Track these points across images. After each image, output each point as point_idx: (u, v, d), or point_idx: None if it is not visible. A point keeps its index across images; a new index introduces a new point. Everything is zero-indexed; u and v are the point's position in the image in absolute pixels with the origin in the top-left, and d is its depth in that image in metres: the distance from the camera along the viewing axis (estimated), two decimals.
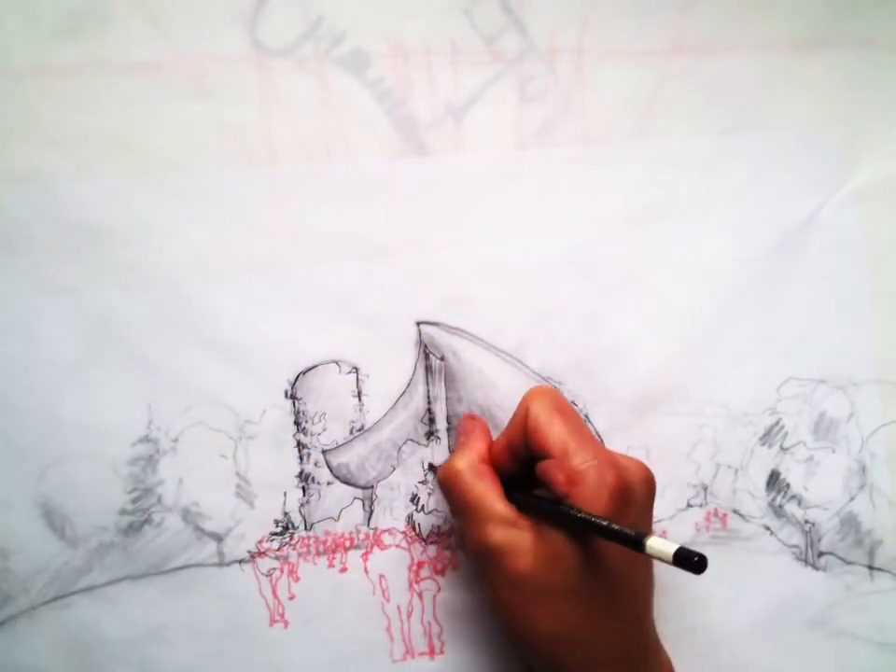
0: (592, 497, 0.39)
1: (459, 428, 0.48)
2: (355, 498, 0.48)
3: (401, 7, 0.47)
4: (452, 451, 0.48)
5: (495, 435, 0.47)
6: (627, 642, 0.42)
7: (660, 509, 0.48)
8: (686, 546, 0.34)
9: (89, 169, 0.46)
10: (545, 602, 0.40)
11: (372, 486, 0.48)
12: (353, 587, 0.48)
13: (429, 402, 0.49)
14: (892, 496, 0.50)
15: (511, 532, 0.41)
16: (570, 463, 0.41)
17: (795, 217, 0.50)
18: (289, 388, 0.48)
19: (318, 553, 0.48)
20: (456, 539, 0.49)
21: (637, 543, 0.36)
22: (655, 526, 0.49)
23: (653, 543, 0.35)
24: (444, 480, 0.44)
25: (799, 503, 0.50)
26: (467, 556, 0.48)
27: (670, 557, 0.34)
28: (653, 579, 0.44)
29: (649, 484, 0.43)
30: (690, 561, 0.34)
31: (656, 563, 0.42)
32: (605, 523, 0.38)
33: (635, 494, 0.41)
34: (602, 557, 0.40)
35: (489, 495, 0.42)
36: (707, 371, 0.50)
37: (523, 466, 0.44)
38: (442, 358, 0.48)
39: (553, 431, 0.42)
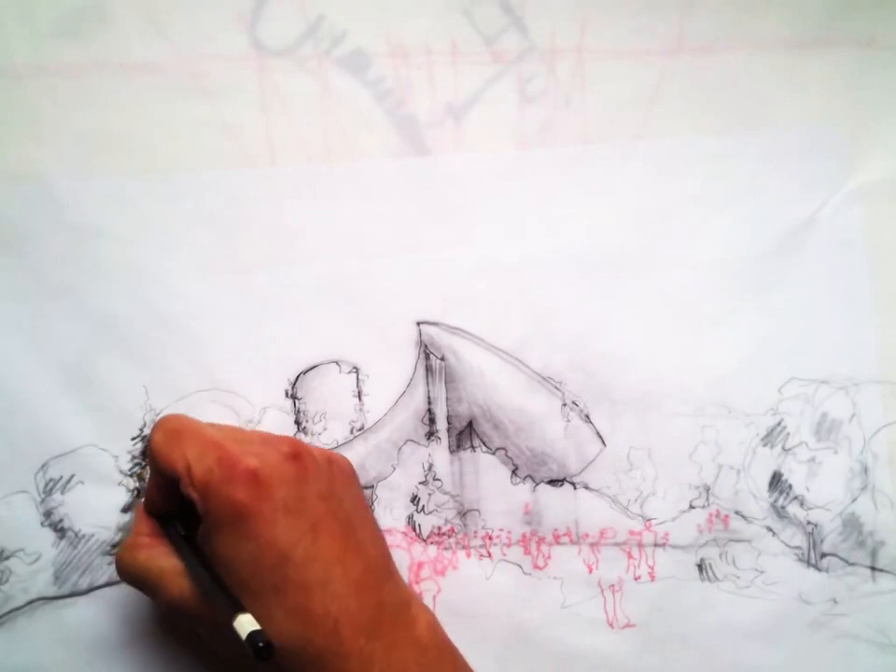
0: (221, 500, 0.38)
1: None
2: None
3: (401, 6, 0.47)
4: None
5: None
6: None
7: (662, 511, 0.48)
8: (260, 631, 0.35)
9: (89, 169, 0.46)
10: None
11: (372, 486, 0.48)
12: None
13: (429, 402, 0.49)
14: (894, 496, 0.49)
15: (184, 583, 0.40)
16: (194, 477, 0.39)
17: (795, 216, 0.49)
18: (289, 388, 0.48)
19: None
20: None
21: (229, 616, 0.36)
22: (658, 528, 0.49)
23: (241, 620, 0.36)
24: (119, 572, 0.43)
25: (801, 504, 0.50)
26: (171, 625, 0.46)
27: (243, 638, 0.35)
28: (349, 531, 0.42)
29: (296, 459, 0.41)
30: (256, 646, 0.34)
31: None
32: (212, 582, 0.38)
33: (271, 477, 0.39)
34: (266, 548, 0.39)
35: (157, 558, 0.41)
36: (708, 372, 0.49)
37: (178, 495, 0.41)
38: (442, 358, 0.48)
39: (174, 455, 0.40)
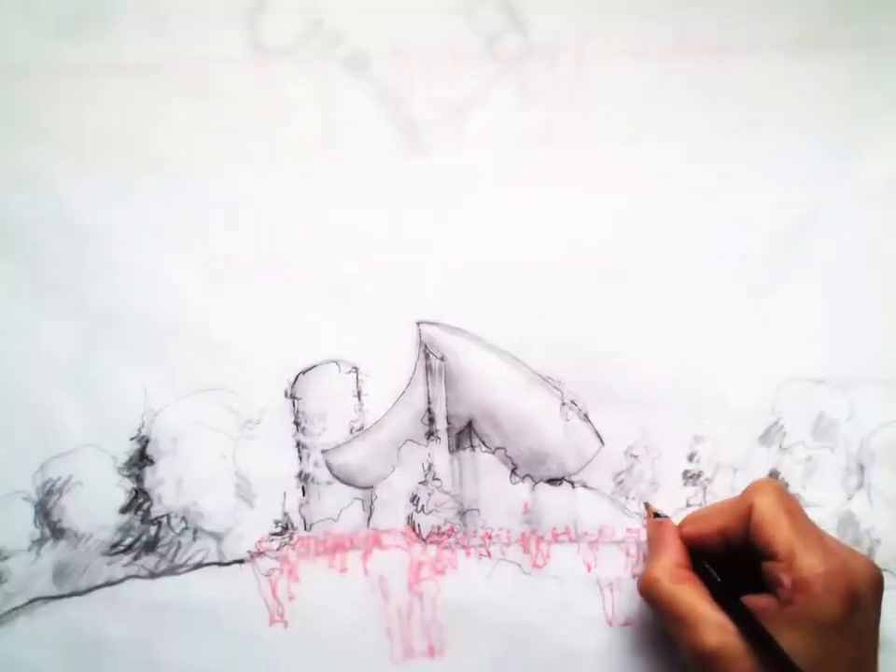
0: (819, 606, 0.39)
1: (649, 534, 0.47)
2: (354, 498, 0.48)
3: (401, 7, 0.47)
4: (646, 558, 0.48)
5: None
6: None
7: (660, 509, 0.49)
8: None
9: (89, 169, 0.46)
10: None
11: (372, 486, 0.48)
12: (353, 587, 0.48)
13: (429, 402, 0.49)
14: (890, 495, 0.50)
15: (725, 637, 0.40)
16: (797, 568, 0.40)
17: (795, 216, 0.50)
18: (289, 388, 0.48)
19: (318, 554, 0.48)
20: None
21: None
22: None
23: None
24: (646, 590, 0.43)
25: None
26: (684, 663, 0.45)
27: None
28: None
29: (876, 586, 0.41)
30: None
31: None
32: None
33: (862, 599, 0.40)
34: (827, 661, 0.39)
35: (697, 599, 0.42)
36: (706, 371, 0.50)
37: (733, 554, 0.43)
38: (442, 358, 0.48)
39: (781, 532, 0.41)
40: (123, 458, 0.47)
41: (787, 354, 0.50)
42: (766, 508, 0.42)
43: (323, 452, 0.48)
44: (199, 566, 0.48)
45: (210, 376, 0.48)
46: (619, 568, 0.49)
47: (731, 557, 0.43)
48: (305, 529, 0.48)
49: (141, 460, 0.47)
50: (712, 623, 0.41)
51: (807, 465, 0.50)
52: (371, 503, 0.48)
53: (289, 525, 0.48)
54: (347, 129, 0.48)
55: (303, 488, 0.48)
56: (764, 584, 0.41)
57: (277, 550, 0.48)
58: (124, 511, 0.47)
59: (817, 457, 0.50)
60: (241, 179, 0.47)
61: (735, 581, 0.43)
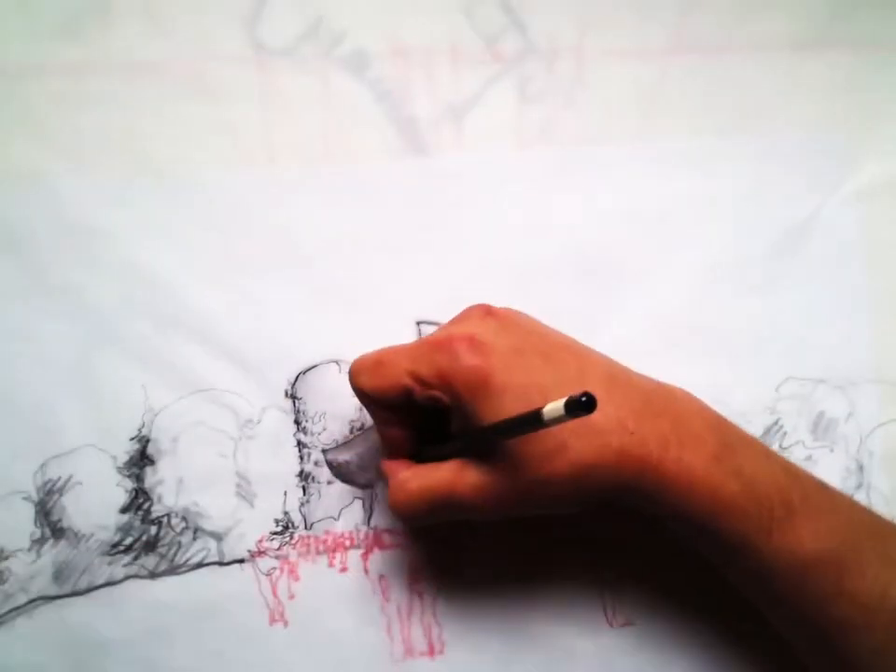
0: (463, 378, 0.38)
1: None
2: (355, 498, 0.48)
3: (401, 7, 0.47)
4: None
5: None
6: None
7: None
8: (572, 395, 0.32)
9: (89, 169, 0.46)
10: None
11: (372, 486, 0.48)
12: (353, 587, 0.48)
13: None
14: (889, 494, 0.50)
15: (469, 471, 0.40)
16: (425, 377, 0.39)
17: (795, 216, 0.50)
18: (289, 388, 0.48)
19: (318, 553, 0.48)
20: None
21: (536, 419, 0.33)
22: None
23: (548, 408, 0.33)
24: (401, 517, 0.43)
25: None
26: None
27: (562, 411, 0.32)
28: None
29: (490, 314, 0.41)
30: (579, 404, 0.31)
31: None
32: (497, 428, 0.37)
33: (485, 335, 0.39)
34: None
35: (427, 480, 0.41)
36: (706, 371, 0.50)
37: (413, 419, 0.43)
38: None
39: (388, 376, 0.40)
40: (123, 458, 0.47)
41: (786, 353, 0.50)
42: (366, 378, 0.41)
43: (323, 451, 0.48)
44: (199, 565, 0.48)
45: (210, 376, 0.47)
46: (619, 568, 0.49)
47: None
48: (306, 528, 0.48)
49: (141, 460, 0.47)
50: (453, 479, 0.40)
51: (807, 464, 0.50)
52: (372, 502, 0.48)
53: (290, 525, 0.48)
54: (347, 129, 0.48)
55: (304, 487, 0.48)
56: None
57: (278, 549, 0.48)
58: (124, 510, 0.47)
59: (816, 457, 0.50)
60: (241, 179, 0.47)
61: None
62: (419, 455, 0.44)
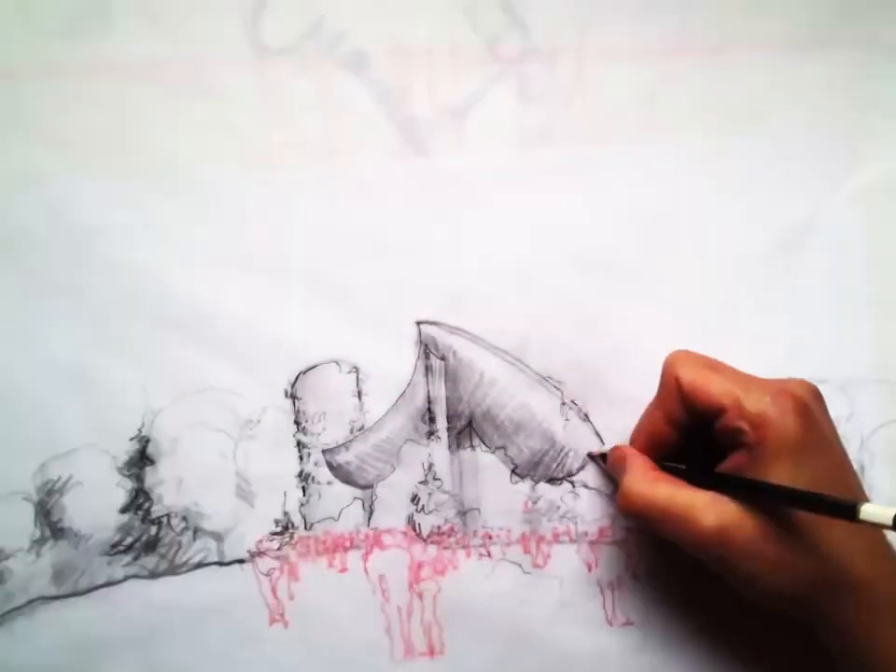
0: (783, 432, 0.39)
1: (611, 460, 0.47)
2: (355, 498, 0.48)
3: (401, 7, 0.47)
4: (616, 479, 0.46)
5: None
6: (876, 555, 0.40)
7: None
8: None
9: (89, 169, 0.46)
10: (786, 555, 0.39)
11: (372, 486, 0.48)
12: (353, 587, 0.48)
13: (429, 402, 0.49)
14: (891, 495, 0.50)
15: (719, 511, 0.40)
16: (746, 408, 0.40)
17: (795, 216, 0.50)
18: (289, 388, 0.48)
19: (318, 553, 0.48)
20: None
21: (850, 510, 0.34)
22: None
23: (869, 509, 0.34)
24: (627, 506, 0.42)
25: None
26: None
27: (890, 521, 0.33)
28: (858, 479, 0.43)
29: (816, 395, 0.42)
30: None
31: None
32: (811, 493, 0.37)
33: (812, 409, 0.40)
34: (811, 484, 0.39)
35: (676, 491, 0.41)
36: None
37: (686, 435, 0.43)
38: (443, 358, 0.49)
39: (714, 387, 0.41)
40: (123, 458, 0.47)
41: (787, 353, 0.50)
42: (690, 373, 0.42)
43: (323, 451, 0.48)
44: (199, 565, 0.48)
45: (210, 376, 0.48)
46: (619, 568, 0.49)
47: (691, 446, 0.43)
48: (306, 529, 0.48)
49: (141, 460, 0.47)
50: (701, 505, 0.40)
51: None
52: (372, 503, 0.48)
53: (290, 525, 0.48)
54: (347, 129, 0.48)
55: (304, 488, 0.48)
56: (729, 448, 0.41)
57: (278, 549, 0.48)
58: (124, 510, 0.47)
59: None
60: (241, 179, 0.47)
61: (704, 463, 0.42)
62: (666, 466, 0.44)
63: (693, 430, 0.43)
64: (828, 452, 0.41)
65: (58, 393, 0.47)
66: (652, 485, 0.42)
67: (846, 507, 0.35)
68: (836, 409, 0.49)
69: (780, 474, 0.39)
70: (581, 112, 0.49)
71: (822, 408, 0.42)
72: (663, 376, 0.44)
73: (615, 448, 0.47)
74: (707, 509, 0.40)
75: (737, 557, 0.39)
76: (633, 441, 0.47)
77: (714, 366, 0.43)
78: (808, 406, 0.40)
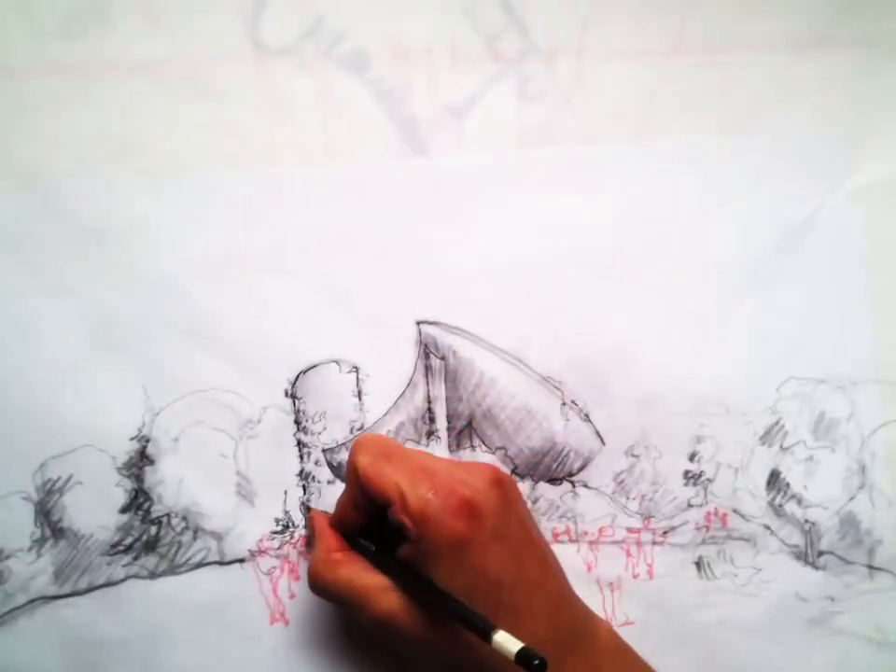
0: (439, 530, 0.39)
1: (308, 527, 0.48)
2: None
3: (401, 6, 0.47)
4: None
5: None
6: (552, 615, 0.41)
7: (660, 509, 0.49)
8: (529, 647, 0.34)
9: (89, 169, 0.46)
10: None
11: None
12: None
13: (429, 402, 0.49)
14: (892, 495, 0.50)
15: (391, 598, 0.40)
16: (408, 504, 0.40)
17: (795, 216, 0.50)
18: (289, 388, 0.48)
19: None
20: None
21: (484, 634, 0.35)
22: (656, 526, 0.49)
23: (500, 639, 0.35)
24: (313, 586, 0.43)
25: (799, 502, 0.50)
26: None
27: (513, 655, 0.34)
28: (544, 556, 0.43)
29: (499, 486, 0.42)
30: (530, 663, 0.33)
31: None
32: (453, 605, 0.38)
33: (483, 506, 0.40)
34: (482, 577, 0.40)
35: (357, 575, 0.42)
36: (706, 371, 0.50)
37: (375, 515, 0.43)
38: (443, 358, 0.49)
39: (384, 479, 0.41)
40: (123, 458, 0.47)
41: (787, 353, 0.50)
42: (365, 462, 0.42)
43: (324, 451, 0.48)
44: (199, 565, 0.48)
45: (210, 376, 0.48)
46: (619, 568, 0.49)
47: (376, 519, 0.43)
48: (306, 528, 0.48)
49: (141, 460, 0.47)
50: (375, 591, 0.41)
51: (808, 465, 0.50)
52: None
53: (290, 524, 0.48)
54: (347, 129, 0.48)
55: (304, 487, 0.48)
56: (401, 536, 0.41)
57: (278, 548, 0.48)
58: (124, 510, 0.47)
59: (818, 457, 0.50)
60: (241, 179, 0.47)
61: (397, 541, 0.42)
62: (353, 541, 0.44)
63: (381, 512, 0.42)
64: (496, 550, 0.40)
65: (58, 392, 0.47)
66: (334, 568, 0.42)
67: (481, 628, 0.36)
68: (836, 409, 0.50)
69: (438, 573, 0.39)
70: (581, 112, 0.49)
71: (498, 496, 0.41)
72: (347, 461, 0.43)
73: (311, 516, 0.47)
74: (380, 595, 0.41)
75: (400, 643, 0.41)
76: (328, 514, 0.47)
77: (390, 454, 0.42)
78: (473, 504, 0.40)
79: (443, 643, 0.39)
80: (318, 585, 0.43)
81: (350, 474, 0.43)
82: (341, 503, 0.44)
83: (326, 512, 0.47)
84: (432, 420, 0.49)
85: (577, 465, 0.49)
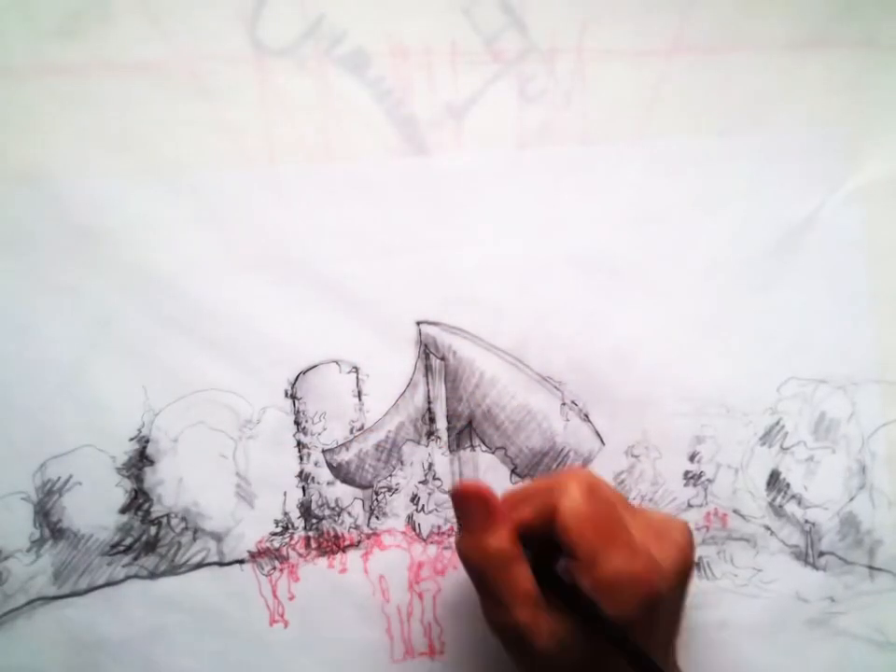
0: (618, 609, 0.37)
1: (469, 498, 0.41)
2: (355, 498, 0.48)
3: (401, 6, 0.47)
4: (462, 520, 0.42)
5: None
6: None
7: (661, 509, 0.49)
8: None
9: (89, 169, 0.46)
10: None
11: (372, 486, 0.48)
12: (353, 587, 0.48)
13: (429, 402, 0.49)
14: (892, 495, 0.50)
15: (536, 612, 0.39)
16: (598, 571, 0.38)
17: (795, 216, 0.50)
18: (289, 388, 0.48)
19: (318, 554, 0.48)
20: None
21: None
22: None
23: None
24: (473, 558, 0.40)
25: (799, 503, 0.50)
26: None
27: None
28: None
29: (683, 572, 0.40)
30: None
31: None
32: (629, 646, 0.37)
33: (665, 594, 0.39)
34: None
35: (520, 578, 0.39)
36: (707, 371, 0.50)
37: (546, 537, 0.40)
38: (443, 358, 0.48)
39: (584, 537, 0.38)
40: (123, 458, 0.47)
41: (787, 354, 0.50)
42: (568, 511, 0.39)
43: (323, 451, 0.48)
44: (199, 566, 0.48)
45: (210, 376, 0.47)
46: None
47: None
48: (305, 529, 0.48)
49: (141, 460, 0.47)
50: (526, 599, 0.39)
51: (809, 465, 0.50)
52: (372, 503, 0.48)
53: (290, 525, 0.48)
54: (347, 129, 0.47)
55: (304, 488, 0.48)
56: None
57: (277, 550, 0.48)
58: (124, 511, 0.47)
59: (818, 458, 0.50)
60: (241, 179, 0.47)
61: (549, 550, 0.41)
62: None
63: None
64: (650, 632, 0.39)
65: (57, 393, 0.47)
66: (508, 562, 0.40)
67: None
68: (837, 409, 0.50)
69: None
70: (581, 112, 0.49)
71: (678, 586, 0.40)
72: (550, 491, 0.40)
73: (480, 488, 0.41)
74: (525, 605, 0.39)
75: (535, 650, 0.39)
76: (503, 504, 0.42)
77: (597, 510, 0.39)
78: (659, 595, 0.39)
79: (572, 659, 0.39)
80: (481, 564, 0.40)
81: (549, 506, 0.40)
82: (520, 513, 0.41)
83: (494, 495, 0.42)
84: (432, 420, 0.49)
85: (577, 465, 0.49)
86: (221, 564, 0.48)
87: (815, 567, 0.50)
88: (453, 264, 0.49)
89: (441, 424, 0.49)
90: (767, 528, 0.50)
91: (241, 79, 0.47)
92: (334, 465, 0.48)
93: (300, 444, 0.48)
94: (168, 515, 0.47)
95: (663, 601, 0.39)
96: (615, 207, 0.49)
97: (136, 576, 0.47)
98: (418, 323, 0.49)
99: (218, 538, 0.48)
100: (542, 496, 0.40)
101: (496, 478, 0.49)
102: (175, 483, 0.47)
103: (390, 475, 0.48)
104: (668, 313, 0.49)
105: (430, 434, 0.49)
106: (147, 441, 0.47)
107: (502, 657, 0.48)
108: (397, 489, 0.49)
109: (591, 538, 0.38)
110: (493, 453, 0.49)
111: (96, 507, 0.47)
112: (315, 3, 0.46)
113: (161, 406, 0.47)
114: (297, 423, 0.48)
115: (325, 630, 0.48)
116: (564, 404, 0.49)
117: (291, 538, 0.48)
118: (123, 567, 0.47)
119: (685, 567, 0.41)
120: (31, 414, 0.47)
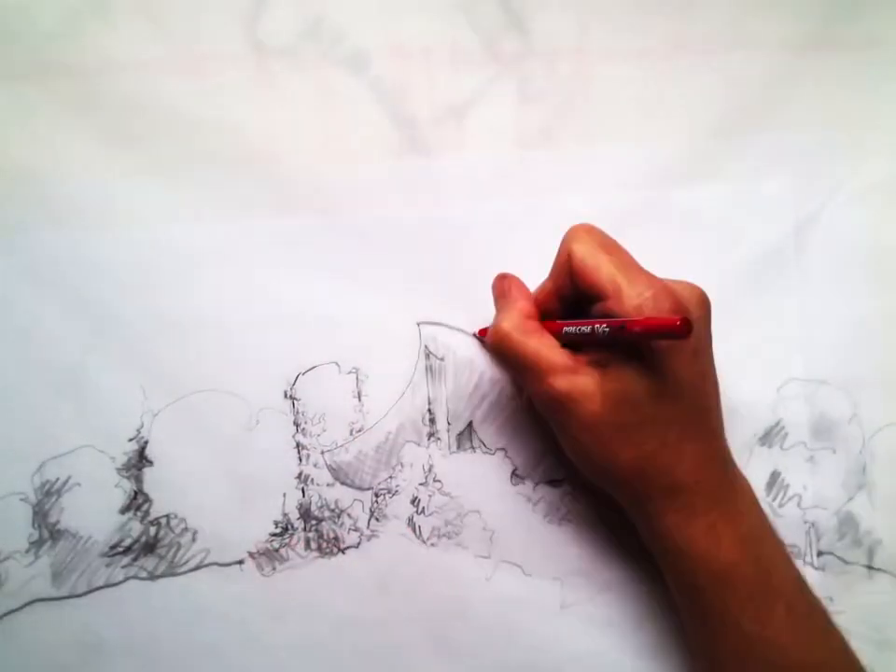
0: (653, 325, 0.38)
1: (495, 290, 0.47)
2: (355, 500, 0.48)
3: (401, 6, 0.47)
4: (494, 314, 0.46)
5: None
6: (706, 463, 0.42)
7: None
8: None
9: (89, 169, 0.46)
10: (621, 438, 0.41)
11: (372, 488, 0.48)
12: (353, 588, 0.48)
13: (429, 403, 0.49)
14: (892, 496, 0.50)
15: (574, 379, 0.40)
16: (626, 299, 0.39)
17: (796, 216, 0.50)
18: (289, 389, 0.48)
19: (318, 554, 0.48)
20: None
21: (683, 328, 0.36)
22: None
23: None
24: (495, 344, 0.43)
25: (798, 503, 0.50)
26: (533, 412, 0.46)
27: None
28: (719, 396, 0.44)
29: (704, 304, 0.42)
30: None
31: None
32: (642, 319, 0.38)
33: (693, 315, 0.40)
34: (670, 383, 0.40)
35: (543, 348, 0.41)
36: None
37: (573, 310, 0.43)
38: (443, 359, 0.48)
39: (602, 271, 0.40)
40: (122, 459, 0.47)
41: (788, 354, 0.50)
42: (585, 253, 0.41)
43: (323, 453, 0.48)
44: (198, 566, 0.47)
45: (208, 377, 0.47)
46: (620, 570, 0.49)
47: (572, 316, 0.43)
48: (305, 530, 0.48)
49: (140, 461, 0.47)
50: (561, 367, 0.41)
51: (809, 465, 0.50)
52: (372, 504, 0.48)
53: (289, 526, 0.48)
54: (347, 129, 0.47)
55: (303, 489, 0.48)
56: None
57: (277, 551, 0.48)
58: (123, 512, 0.47)
59: (818, 458, 0.50)
60: (241, 179, 0.47)
61: None
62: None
63: (578, 307, 0.43)
64: (693, 361, 0.41)
65: (56, 394, 0.47)
66: (524, 336, 0.42)
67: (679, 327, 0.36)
68: (837, 410, 0.50)
69: (639, 366, 0.40)
70: (581, 112, 0.49)
71: (704, 316, 0.42)
72: (559, 248, 0.43)
73: (503, 276, 0.47)
74: (563, 374, 0.41)
75: (576, 427, 0.41)
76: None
77: (609, 247, 0.42)
78: (687, 310, 0.40)
79: (618, 436, 0.40)
80: (503, 347, 0.43)
81: (561, 263, 0.42)
82: (543, 291, 0.44)
83: (515, 276, 0.47)
84: (432, 421, 0.49)
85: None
86: (221, 564, 0.48)
87: (814, 566, 0.50)
88: (453, 264, 0.49)
89: (442, 425, 0.49)
90: None
91: (240, 79, 0.46)
92: (334, 466, 0.48)
93: (299, 445, 0.48)
94: (168, 516, 0.47)
95: (693, 322, 0.39)
96: (615, 207, 0.49)
97: (136, 577, 0.47)
98: (418, 323, 0.48)
99: (218, 538, 0.47)
100: (555, 263, 0.43)
101: (496, 479, 0.49)
102: (174, 484, 0.47)
103: (390, 477, 0.48)
104: None
105: (431, 435, 0.49)
106: (147, 442, 0.47)
107: (502, 657, 0.48)
108: (397, 491, 0.48)
109: (609, 269, 0.40)
110: (493, 454, 0.49)
111: (95, 508, 0.47)
112: (315, 3, 0.46)
113: (160, 407, 0.47)
114: (296, 424, 0.48)
115: (325, 630, 0.48)
116: None
117: (291, 539, 0.48)
118: (122, 567, 0.47)
119: (704, 300, 0.42)
120: (30, 415, 0.47)
